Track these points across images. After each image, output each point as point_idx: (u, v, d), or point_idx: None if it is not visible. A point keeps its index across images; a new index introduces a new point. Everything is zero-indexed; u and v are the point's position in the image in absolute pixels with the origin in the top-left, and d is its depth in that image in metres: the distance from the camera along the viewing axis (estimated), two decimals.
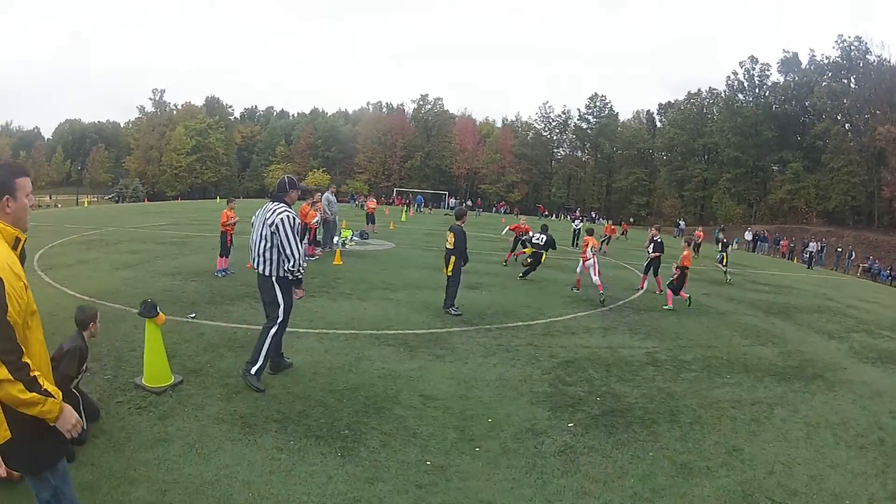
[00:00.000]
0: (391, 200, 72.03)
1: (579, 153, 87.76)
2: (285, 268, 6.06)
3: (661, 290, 14.79)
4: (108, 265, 13.13)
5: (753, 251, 45.34)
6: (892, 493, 5.13)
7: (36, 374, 2.39)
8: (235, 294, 10.69)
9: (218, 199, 57.03)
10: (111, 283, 11.05)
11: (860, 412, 7.22)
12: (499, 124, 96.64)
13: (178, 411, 5.41)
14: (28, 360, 2.38)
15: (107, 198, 72.46)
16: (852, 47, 56.52)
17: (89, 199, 58.63)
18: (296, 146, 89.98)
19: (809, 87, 59.71)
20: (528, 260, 15.63)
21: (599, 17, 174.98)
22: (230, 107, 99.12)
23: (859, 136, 53.85)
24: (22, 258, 2.67)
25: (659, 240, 15.54)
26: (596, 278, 13.26)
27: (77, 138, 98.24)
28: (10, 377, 2.28)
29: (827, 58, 60.12)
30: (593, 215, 66.55)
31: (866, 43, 55.64)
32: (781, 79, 64.28)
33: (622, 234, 37.52)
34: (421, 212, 56.31)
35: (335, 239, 18.32)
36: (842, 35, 56.73)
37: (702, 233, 28.72)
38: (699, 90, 76.16)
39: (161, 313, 5.81)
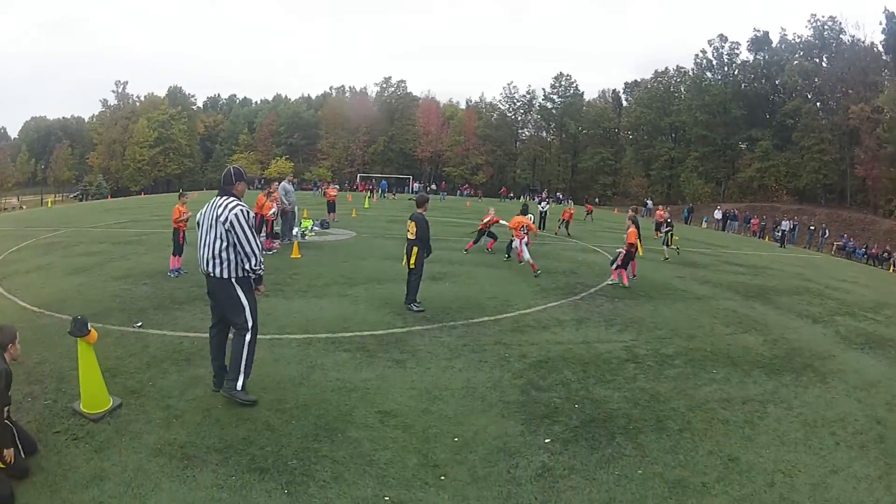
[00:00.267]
0: (355, 186, 71.82)
1: (544, 133, 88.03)
2: (245, 267, 5.64)
3: (635, 275, 14.56)
4: (62, 270, 12.68)
5: (723, 230, 45.64)
6: None
7: None
8: (186, 297, 10.15)
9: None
10: (63, 290, 10.63)
11: (856, 406, 6.94)
12: (463, 106, 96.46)
13: (114, 442, 4.96)
14: None
15: (71, 196, 71.67)
16: (826, 27, 57.20)
17: (54, 198, 57.97)
18: (258, 134, 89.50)
19: (780, 65, 60.32)
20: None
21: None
22: (193, 96, 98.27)
23: (831, 114, 54.49)
24: None
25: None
26: (527, 255, 14.45)
27: (42, 136, 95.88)
28: None
29: (799, 37, 60.99)
30: (559, 196, 66.40)
31: (840, 23, 56.43)
32: (751, 57, 64.87)
33: (587, 214, 37.35)
34: (385, 197, 56.31)
35: (294, 230, 17.82)
36: (815, 14, 57.66)
37: (663, 212, 28.66)
38: (666, 68, 76.71)
39: (93, 330, 5.30)
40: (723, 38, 66.92)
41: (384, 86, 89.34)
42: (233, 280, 5.64)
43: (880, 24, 47.62)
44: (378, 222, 26.95)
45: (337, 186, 30.64)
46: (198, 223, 5.84)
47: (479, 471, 4.79)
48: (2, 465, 4.20)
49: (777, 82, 61.51)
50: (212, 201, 5.76)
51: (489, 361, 7.41)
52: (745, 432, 5.87)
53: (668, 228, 21.06)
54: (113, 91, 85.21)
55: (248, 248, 5.57)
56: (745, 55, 65.77)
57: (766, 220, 44.78)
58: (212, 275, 5.65)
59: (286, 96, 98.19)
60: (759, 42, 63.64)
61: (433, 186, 67.49)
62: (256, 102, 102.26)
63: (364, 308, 9.86)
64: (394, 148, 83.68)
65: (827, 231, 40.45)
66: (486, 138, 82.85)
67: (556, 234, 25.34)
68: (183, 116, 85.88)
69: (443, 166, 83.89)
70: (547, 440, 5.37)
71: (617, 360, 7.84)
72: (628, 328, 9.68)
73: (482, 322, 9.37)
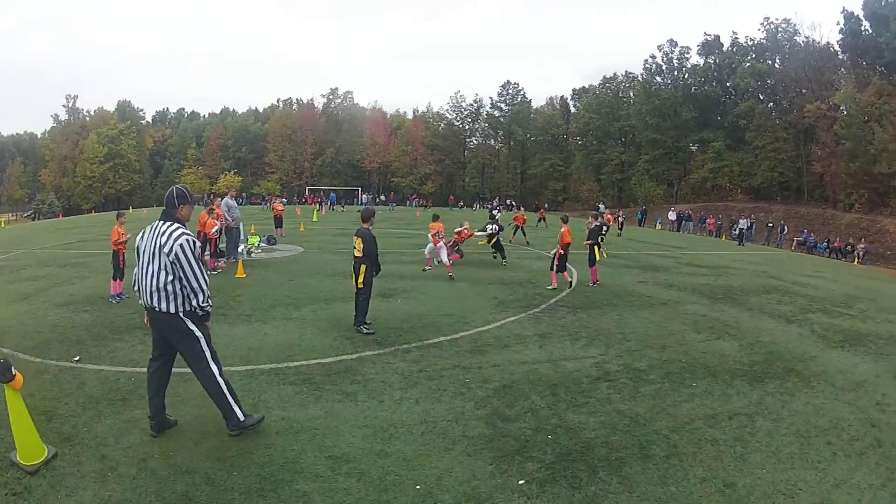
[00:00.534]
0: (303, 199, 72.31)
1: (492, 141, 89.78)
2: (192, 304, 5.22)
3: (596, 281, 14.45)
4: (6, 298, 12.03)
5: (678, 230, 46.25)
6: None
7: None
8: (125, 325, 9.57)
9: (131, 210, 55.17)
10: (5, 319, 10.04)
11: (846, 409, 6.71)
12: (410, 115, 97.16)
13: (50, 498, 4.46)
14: None
15: (25, 215, 72.53)
16: (779, 29, 58.98)
17: (7, 218, 56.62)
18: (206, 148, 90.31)
19: (731, 68, 61.91)
20: (493, 250, 18.28)
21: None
22: (141, 110, 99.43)
23: (785, 114, 55.98)
24: None
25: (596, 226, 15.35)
26: (445, 257, 15.31)
27: None
28: None
29: (751, 39, 62.77)
30: (509, 203, 66.50)
31: (795, 24, 58.27)
32: (702, 61, 66.35)
33: (540, 220, 37.19)
34: (334, 210, 56.15)
35: (240, 248, 17.40)
36: (768, 17, 59.28)
37: (611, 216, 28.90)
38: (615, 74, 78.77)
39: (17, 375, 4.84)
40: (672, 42, 68.46)
41: (331, 97, 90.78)
42: (180, 314, 5.20)
43: (838, 23, 49.29)
44: (326, 236, 26.55)
45: (284, 200, 30.06)
46: (137, 249, 5.33)
47: None
48: None
49: (728, 84, 63.06)
50: (153, 226, 5.29)
51: (448, 389, 6.78)
52: (736, 452, 5.44)
53: (606, 229, 21.48)
54: (63, 105, 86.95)
55: (194, 284, 5.15)
56: (695, 59, 67.42)
57: (721, 219, 45.63)
58: (156, 309, 5.17)
59: (234, 109, 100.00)
60: (710, 46, 65.09)
61: (382, 197, 67.53)
62: (204, 116, 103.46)
63: (311, 332, 9.21)
64: (342, 160, 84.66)
65: (786, 227, 41.42)
66: (434, 148, 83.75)
67: (510, 241, 25.03)
68: (132, 131, 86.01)
69: (391, 177, 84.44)
70: (521, 481, 4.74)
71: (588, 380, 7.31)
72: (595, 341, 9.20)
73: (438, 343, 8.77)
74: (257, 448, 5.18)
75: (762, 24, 60.72)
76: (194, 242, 5.23)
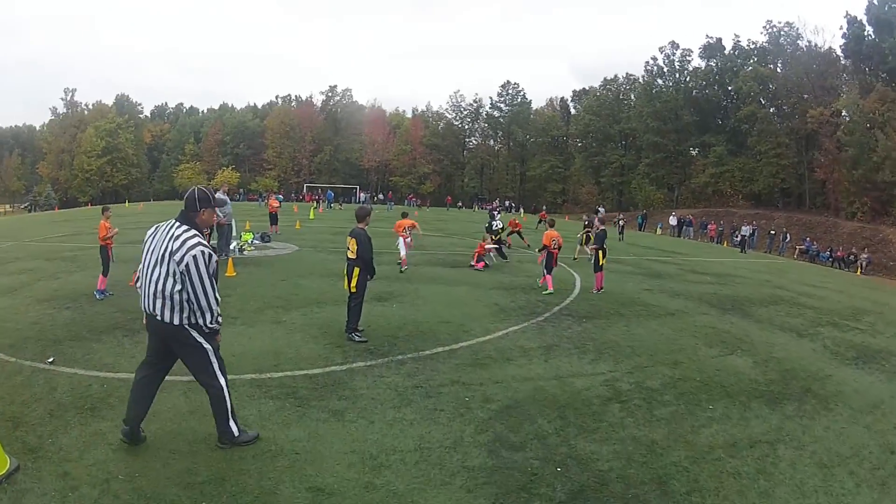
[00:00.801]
0: (301, 196, 72.15)
1: (492, 142, 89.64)
2: (199, 321, 4.75)
3: (601, 288, 13.99)
4: None
5: (679, 236, 45.77)
6: None
7: None
8: (106, 325, 9.13)
9: (128, 204, 55.27)
10: None
11: (866, 434, 6.42)
12: (409, 115, 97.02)
13: None
14: None
15: (21, 207, 73.27)
16: (782, 33, 58.62)
17: (4, 209, 56.45)
18: (204, 143, 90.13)
19: (734, 71, 61.53)
20: (494, 249, 18.55)
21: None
22: (140, 104, 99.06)
23: (787, 119, 55.62)
24: None
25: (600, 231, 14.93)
26: (403, 252, 15.99)
27: None
28: None
29: (753, 43, 62.41)
30: (509, 205, 66.05)
31: (797, 28, 57.80)
32: (703, 64, 65.99)
33: (540, 221, 36.59)
34: (331, 208, 55.95)
35: (231, 245, 16.91)
36: (771, 21, 59.32)
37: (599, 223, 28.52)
38: (616, 76, 78.61)
39: None
40: (674, 45, 68.20)
41: (329, 94, 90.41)
42: (185, 325, 4.75)
43: (841, 28, 48.80)
44: (322, 235, 26.01)
45: (280, 197, 29.52)
46: (144, 246, 4.85)
47: None
48: None
49: (730, 88, 62.73)
50: (167, 226, 4.80)
51: (446, 410, 6.23)
52: (760, 486, 4.98)
53: (588, 230, 20.99)
54: (62, 99, 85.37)
55: (203, 302, 4.66)
56: (696, 62, 67.10)
57: (723, 225, 45.10)
58: (158, 318, 4.71)
59: (232, 105, 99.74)
60: (712, 49, 64.74)
61: (380, 196, 67.18)
62: (203, 111, 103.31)
63: (299, 338, 8.68)
64: (340, 157, 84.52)
65: (788, 235, 40.94)
66: (432, 147, 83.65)
67: (507, 246, 24.55)
68: (130, 125, 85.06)
69: (389, 176, 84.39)
70: None
71: (598, 400, 6.79)
72: (603, 355, 8.71)
73: (435, 354, 8.26)
74: (230, 474, 4.65)
75: (764, 27, 60.71)
76: (210, 255, 4.73)
